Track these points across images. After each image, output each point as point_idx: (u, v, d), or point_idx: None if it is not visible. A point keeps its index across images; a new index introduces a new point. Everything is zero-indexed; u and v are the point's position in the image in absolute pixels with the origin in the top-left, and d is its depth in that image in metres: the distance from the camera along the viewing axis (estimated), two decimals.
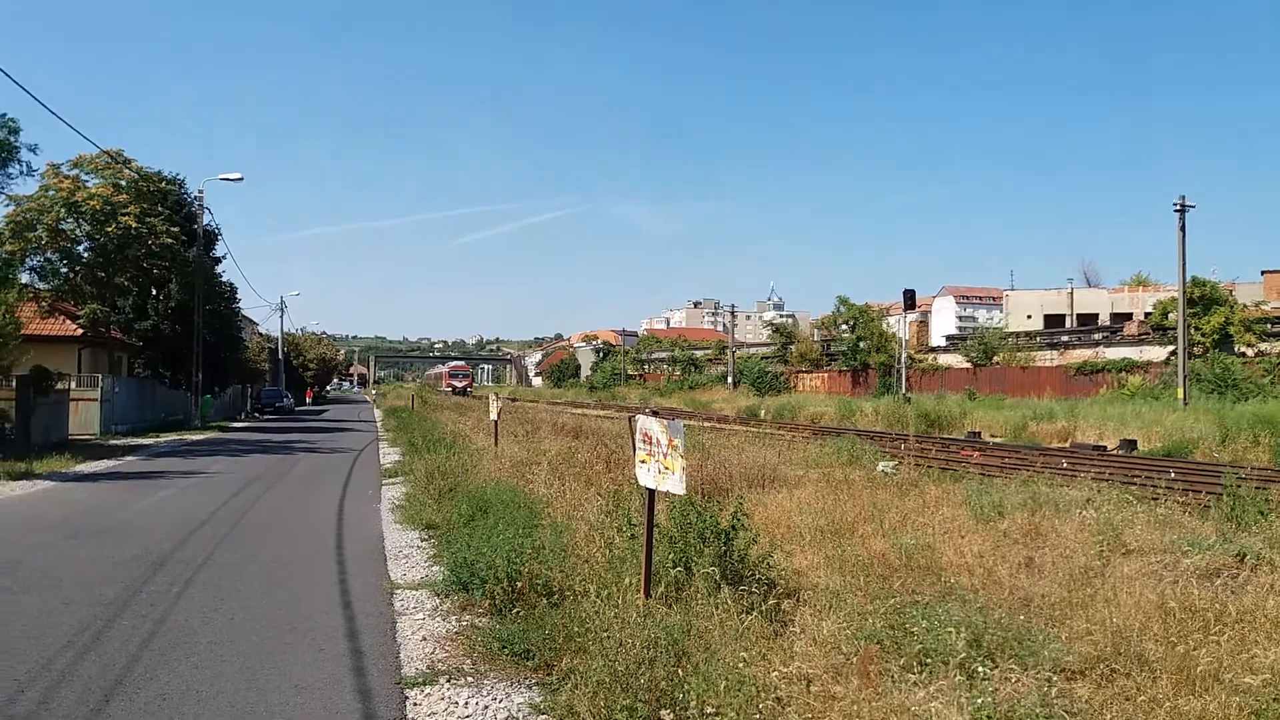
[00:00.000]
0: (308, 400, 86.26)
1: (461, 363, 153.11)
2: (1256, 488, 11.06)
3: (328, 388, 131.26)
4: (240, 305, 51.95)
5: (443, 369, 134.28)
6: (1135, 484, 13.04)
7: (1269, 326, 46.79)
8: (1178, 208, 38.29)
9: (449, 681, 6.21)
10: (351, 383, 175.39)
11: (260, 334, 78.87)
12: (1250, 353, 44.42)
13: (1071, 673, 5.81)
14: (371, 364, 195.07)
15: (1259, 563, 7.99)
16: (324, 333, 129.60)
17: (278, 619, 7.89)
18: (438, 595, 8.58)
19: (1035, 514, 10.36)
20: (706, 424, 33.30)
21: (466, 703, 5.80)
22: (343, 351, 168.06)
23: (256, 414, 59.08)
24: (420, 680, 6.24)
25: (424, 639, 7.25)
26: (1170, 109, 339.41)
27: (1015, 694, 5.01)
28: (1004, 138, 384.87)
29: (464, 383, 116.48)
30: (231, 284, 47.77)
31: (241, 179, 42.23)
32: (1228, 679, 5.27)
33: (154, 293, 40.13)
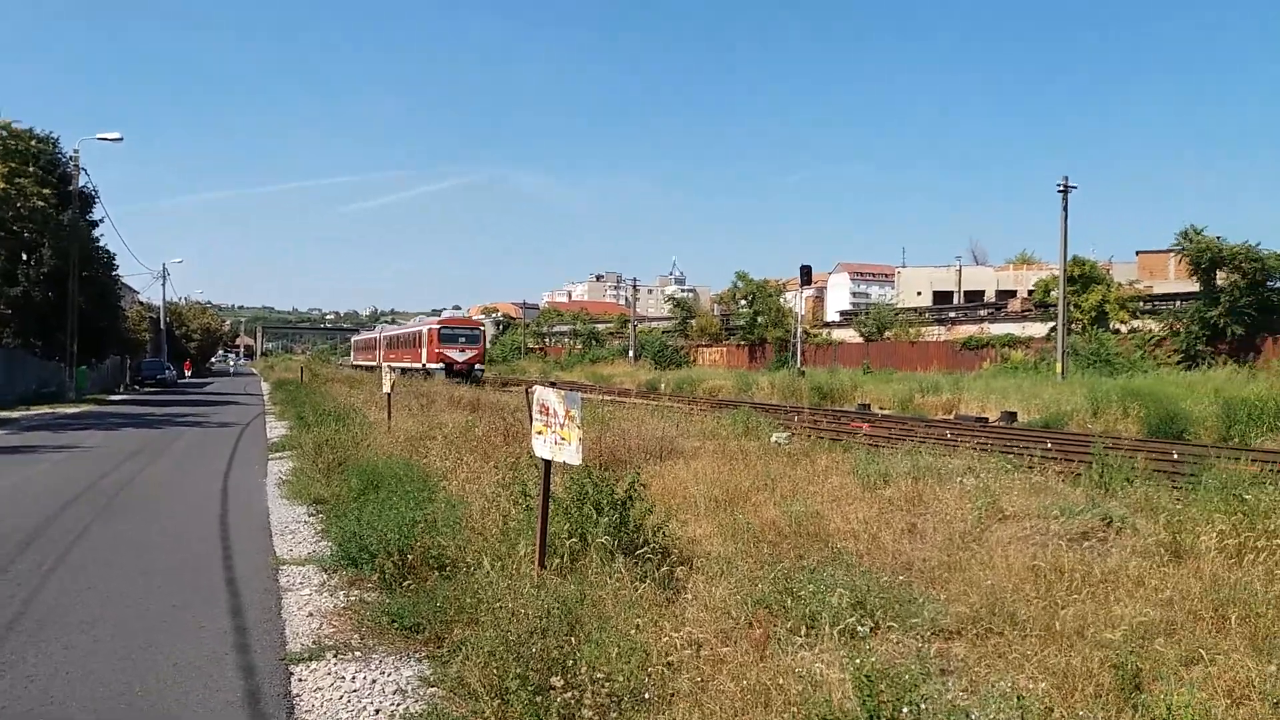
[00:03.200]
0: (187, 373, 79.59)
1: (461, 314, 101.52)
2: (1123, 456, 11.69)
3: (212, 360, 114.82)
4: (120, 272, 49.43)
5: (417, 328, 63.28)
6: (1013, 453, 13.64)
7: (1141, 305, 49.36)
8: (1061, 188, 39.93)
9: (336, 656, 6.09)
10: (238, 354, 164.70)
11: (141, 303, 75.34)
12: (1124, 329, 46.81)
13: (949, 632, 6.06)
14: (259, 335, 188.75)
15: (1123, 526, 8.45)
16: (209, 302, 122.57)
17: (156, 597, 7.60)
18: (325, 571, 8.40)
19: (919, 482, 10.71)
20: (607, 397, 33.39)
21: (353, 677, 5.70)
22: (228, 322, 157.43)
23: (137, 386, 56.64)
24: (306, 656, 6.11)
25: (310, 614, 7.09)
26: (1054, 93, 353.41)
27: (895, 653, 5.19)
28: (899, 120, 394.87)
29: (470, 353, 55.72)
30: (109, 250, 45.38)
31: (121, 139, 39.97)
32: (1091, 635, 5.58)
33: (24, 258, 37.90)
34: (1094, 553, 7.45)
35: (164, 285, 74.18)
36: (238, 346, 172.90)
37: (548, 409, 7.04)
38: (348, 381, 41.40)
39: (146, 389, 55.31)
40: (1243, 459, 11.82)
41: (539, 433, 7.09)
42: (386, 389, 19.50)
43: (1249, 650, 5.35)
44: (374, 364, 63.21)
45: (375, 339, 78.69)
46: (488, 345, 76.43)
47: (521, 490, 8.19)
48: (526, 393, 7.91)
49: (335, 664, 5.96)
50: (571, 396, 6.88)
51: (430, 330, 56.95)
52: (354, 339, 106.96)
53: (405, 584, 7.17)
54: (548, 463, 6.98)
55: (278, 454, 18.43)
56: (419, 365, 54.63)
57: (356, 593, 7.65)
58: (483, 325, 69.32)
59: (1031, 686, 4.92)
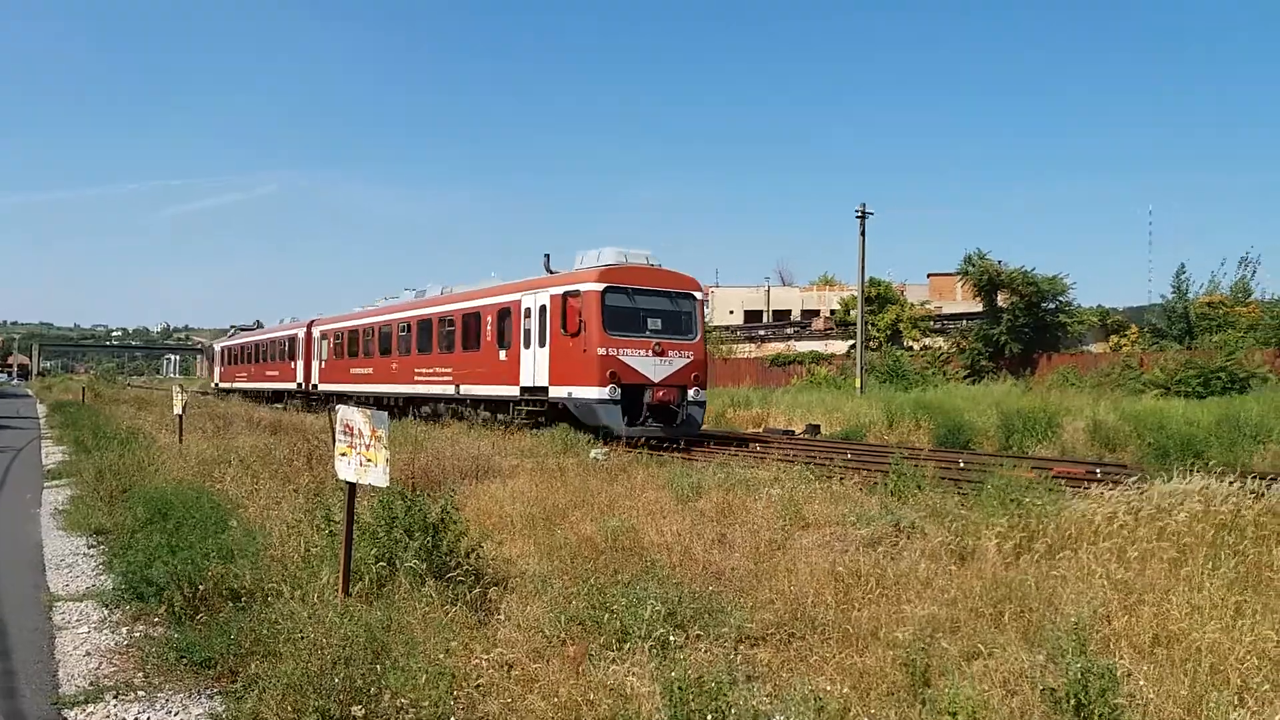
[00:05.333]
0: None
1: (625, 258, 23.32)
2: (915, 465, 12.44)
3: None
4: None
5: (512, 295, 23.53)
6: (815, 464, 14.25)
7: (932, 324, 52.99)
8: (859, 214, 42.34)
9: (116, 697, 5.61)
10: (10, 374, 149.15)
11: None
12: (917, 347, 50.10)
13: (755, 639, 6.25)
14: (35, 353, 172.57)
15: (913, 531, 8.98)
16: None
17: None
18: (107, 606, 7.73)
19: (729, 494, 11.03)
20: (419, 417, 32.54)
21: (136, 718, 5.27)
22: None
23: None
24: (82, 698, 5.60)
25: (88, 654, 6.51)
26: (853, 118, 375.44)
27: (704, 662, 5.29)
28: (718, 145, 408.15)
29: (681, 362, 21.28)
30: None
31: None
32: (884, 635, 5.89)
33: None
34: (887, 557, 7.87)
35: None
36: (10, 365, 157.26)
37: (353, 429, 6.78)
38: (135, 403, 38.49)
39: None
40: (1020, 466, 12.81)
41: (343, 454, 6.81)
42: (178, 410, 18.25)
43: (1022, 643, 5.78)
44: (286, 385, 41.85)
45: (329, 332, 37.26)
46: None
47: (325, 515, 7.84)
48: (329, 414, 7.59)
49: (115, 705, 5.49)
50: (378, 416, 6.65)
51: (577, 294, 21.10)
52: (219, 345, 62.19)
53: (197, 617, 6.70)
54: (352, 486, 6.72)
55: (55, 482, 16.86)
56: (516, 390, 22.97)
57: (142, 628, 7.09)
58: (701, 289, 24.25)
59: (830, 688, 5.15)
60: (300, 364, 40.56)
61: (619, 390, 19.98)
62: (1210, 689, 4.96)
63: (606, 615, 6.00)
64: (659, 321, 21.38)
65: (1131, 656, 5.52)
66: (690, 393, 21.07)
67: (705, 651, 5.50)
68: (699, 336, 22.12)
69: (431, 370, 27.81)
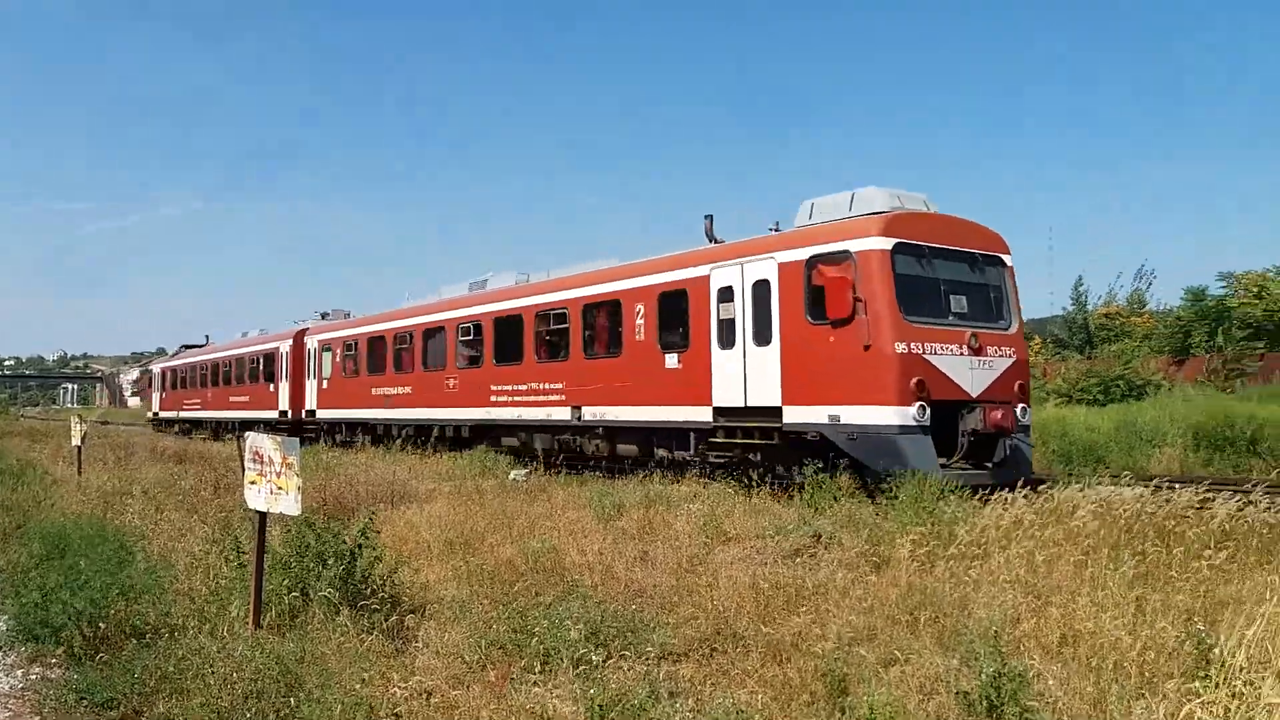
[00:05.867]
0: None
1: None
2: (830, 477, 12.61)
3: None
4: None
5: (763, 255, 14.43)
6: (734, 477, 14.31)
7: None
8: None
9: None
10: None
11: None
12: None
13: (678, 655, 6.25)
14: None
15: (831, 541, 9.13)
16: None
17: None
18: (0, 649, 7.34)
19: (650, 511, 11.05)
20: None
21: None
22: None
23: None
24: None
25: None
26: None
27: (627, 680, 5.27)
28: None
29: (1003, 364, 13.68)
30: None
31: None
32: (804, 646, 5.96)
33: None
34: (806, 568, 7.98)
35: None
36: None
37: (263, 456, 6.61)
38: (29, 434, 36.77)
39: None
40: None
41: (252, 483, 6.63)
42: (76, 441, 17.49)
43: (937, 648, 5.92)
44: (262, 413, 32.11)
45: (337, 342, 28.76)
46: None
47: (234, 546, 7.59)
48: (238, 440, 7.38)
49: None
50: (289, 442, 6.50)
51: (843, 258, 13.28)
52: (159, 366, 50.74)
53: (98, 657, 6.41)
54: (262, 515, 6.53)
55: None
56: (701, 413, 15.42)
57: (39, 670, 6.74)
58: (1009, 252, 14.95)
59: (752, 700, 5.18)
60: (285, 385, 31.10)
61: (927, 410, 12.53)
62: (1114, 684, 5.15)
63: (528, 638, 5.94)
64: (964, 301, 13.80)
65: (1041, 657, 5.69)
66: (1018, 411, 13.48)
67: (628, 670, 5.48)
68: (1017, 326, 14.36)
69: (525, 387, 19.60)
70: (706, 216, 16.68)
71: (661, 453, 16.10)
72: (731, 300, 14.73)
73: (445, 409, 22.35)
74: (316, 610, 6.52)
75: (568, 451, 18.60)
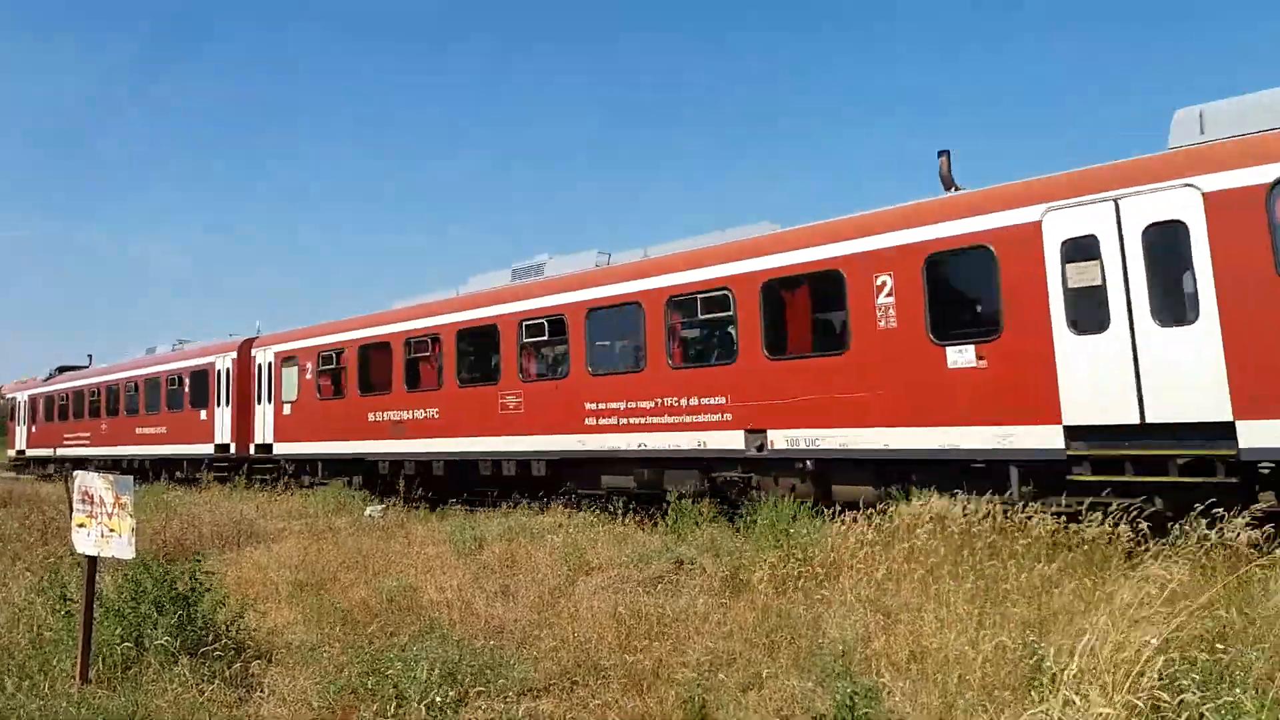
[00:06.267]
0: None
1: None
2: (691, 503, 12.73)
3: None
4: None
5: None
6: (597, 507, 14.25)
7: None
8: None
9: None
10: None
11: None
12: None
13: (539, 690, 6.16)
14: None
15: (693, 567, 9.22)
16: None
17: None
18: None
19: (512, 543, 10.91)
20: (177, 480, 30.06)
21: None
22: None
23: None
24: None
25: None
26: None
27: (484, 719, 5.15)
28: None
29: None
30: None
31: None
32: (665, 674, 5.97)
33: None
34: (668, 594, 8.02)
35: None
36: None
37: (93, 497, 6.20)
38: None
39: None
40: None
41: (81, 525, 6.20)
42: None
43: (794, 670, 6.03)
44: (191, 448, 26.14)
45: (315, 351, 21.75)
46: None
47: (61, 594, 7.06)
48: (66, 481, 6.90)
49: None
50: (123, 482, 6.12)
51: None
52: (26, 395, 39.70)
53: None
54: (92, 559, 6.11)
55: None
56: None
57: None
58: None
59: None
60: (225, 413, 24.52)
61: None
62: (959, 696, 5.36)
63: (381, 680, 5.74)
64: None
65: (891, 673, 5.87)
66: None
67: (486, 709, 5.36)
68: None
69: (652, 405, 13.99)
70: (941, 153, 12.31)
71: (940, 500, 9.39)
72: (1094, 258, 10.00)
73: (500, 437, 16.29)
74: (152, 660, 6.13)
75: (731, 493, 13.12)
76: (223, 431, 24.52)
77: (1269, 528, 7.64)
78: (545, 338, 15.86)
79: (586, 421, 14.72)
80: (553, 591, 8.54)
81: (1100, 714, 4.25)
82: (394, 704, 5.47)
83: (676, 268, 13.97)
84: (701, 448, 13.14)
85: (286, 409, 22.26)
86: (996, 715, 4.92)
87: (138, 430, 28.93)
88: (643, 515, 13.18)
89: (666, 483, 13.76)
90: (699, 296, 13.48)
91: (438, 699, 5.25)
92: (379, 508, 16.68)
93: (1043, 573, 7.23)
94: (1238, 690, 4.19)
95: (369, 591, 8.77)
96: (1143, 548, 7.38)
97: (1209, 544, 6.90)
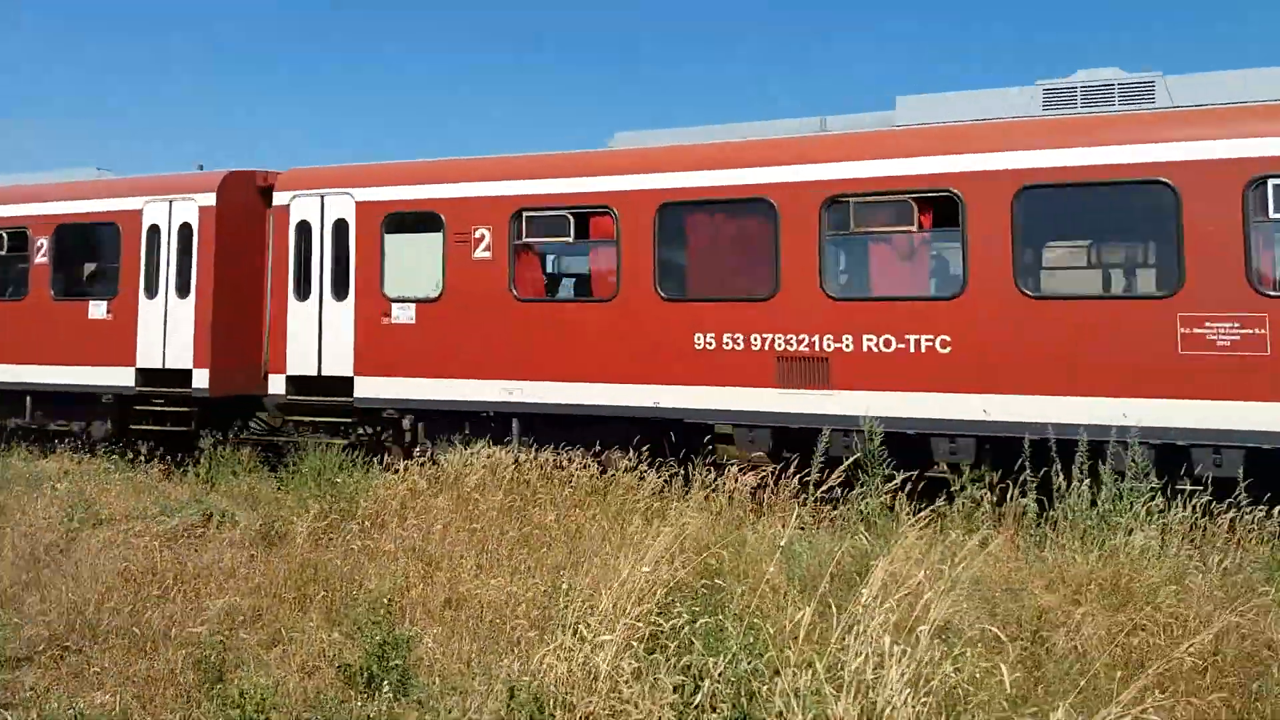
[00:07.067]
0: None
1: None
2: (232, 450, 11.76)
3: None
4: None
5: None
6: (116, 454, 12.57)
7: None
8: None
9: None
10: None
11: None
12: None
13: (19, 660, 5.33)
14: None
15: (224, 520, 8.51)
16: None
17: None
18: None
19: (3, 492, 9.35)
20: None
21: None
22: None
23: None
24: None
25: None
26: None
27: None
28: None
29: None
30: None
31: None
32: (177, 634, 5.45)
33: None
34: (191, 549, 7.37)
35: None
36: None
37: None
38: None
39: None
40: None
41: None
42: None
43: (325, 623, 5.82)
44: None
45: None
46: None
47: None
48: None
49: None
50: None
51: None
52: None
53: None
54: None
55: None
56: None
57: None
58: None
59: (109, 700, 4.60)
60: (189, 305, 12.61)
61: None
62: (491, 640, 5.52)
63: None
64: None
65: (427, 621, 5.90)
66: None
67: None
68: None
69: None
70: None
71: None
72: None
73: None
74: None
75: None
76: (166, 345, 12.74)
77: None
78: None
79: None
80: (48, 547, 7.44)
81: (602, 640, 4.57)
82: None
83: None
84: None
85: (399, 313, 11.63)
86: (524, 655, 5.14)
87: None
88: (171, 462, 11.94)
89: None
90: None
91: None
92: None
93: (577, 519, 7.71)
94: (720, 615, 4.74)
95: None
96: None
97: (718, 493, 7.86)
